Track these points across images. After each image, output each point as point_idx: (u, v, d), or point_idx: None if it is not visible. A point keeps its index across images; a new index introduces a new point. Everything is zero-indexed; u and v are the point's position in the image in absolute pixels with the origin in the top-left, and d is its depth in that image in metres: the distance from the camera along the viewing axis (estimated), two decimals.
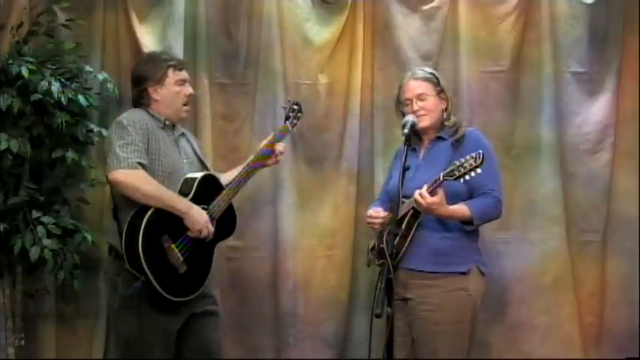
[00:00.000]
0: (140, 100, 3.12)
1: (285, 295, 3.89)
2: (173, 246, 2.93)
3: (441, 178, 2.85)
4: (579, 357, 3.81)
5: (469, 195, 3.02)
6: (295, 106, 3.36)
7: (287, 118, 3.34)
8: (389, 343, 2.74)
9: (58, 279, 3.56)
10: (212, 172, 3.20)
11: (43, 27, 3.70)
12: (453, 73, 3.87)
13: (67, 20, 3.74)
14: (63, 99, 3.49)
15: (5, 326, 3.64)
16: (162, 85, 3.10)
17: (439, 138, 3.14)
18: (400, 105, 3.17)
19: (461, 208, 2.97)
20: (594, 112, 3.89)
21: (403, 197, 2.91)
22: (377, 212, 3.13)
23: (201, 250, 3.02)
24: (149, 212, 2.89)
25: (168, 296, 2.90)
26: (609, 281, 3.87)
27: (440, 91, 3.14)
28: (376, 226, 3.11)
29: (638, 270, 3.82)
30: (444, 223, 3.01)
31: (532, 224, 3.86)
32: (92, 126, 3.69)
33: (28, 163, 3.57)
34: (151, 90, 3.10)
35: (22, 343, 3.68)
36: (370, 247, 3.25)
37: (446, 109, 3.15)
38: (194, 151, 3.23)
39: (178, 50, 3.84)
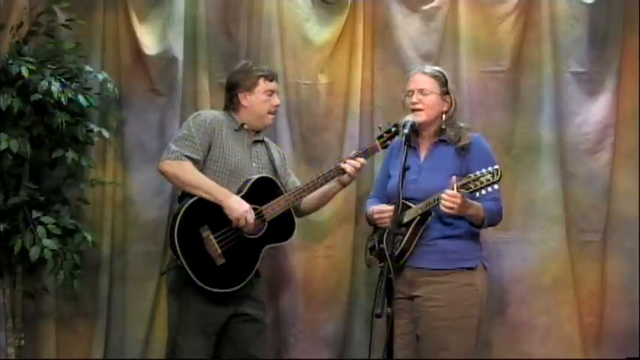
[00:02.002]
0: (230, 104, 3.33)
1: (285, 295, 3.89)
2: (211, 236, 3.05)
3: (455, 189, 2.85)
4: (579, 357, 3.81)
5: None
6: (394, 128, 3.27)
7: (380, 137, 3.31)
8: (389, 343, 2.74)
9: (58, 279, 3.55)
10: (273, 177, 3.28)
11: (43, 27, 3.70)
12: (453, 73, 3.85)
13: (67, 20, 3.74)
14: (63, 99, 3.49)
15: (5, 326, 3.65)
16: (252, 92, 3.28)
17: (441, 141, 3.14)
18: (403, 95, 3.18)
19: (480, 207, 3.00)
20: (594, 112, 3.89)
21: (403, 199, 2.91)
22: (385, 207, 3.13)
23: (244, 248, 3.12)
24: (191, 200, 3.07)
25: (200, 283, 3.03)
26: (609, 281, 3.86)
27: (445, 92, 3.14)
28: (386, 221, 3.10)
29: (638, 270, 3.82)
30: (449, 223, 3.04)
31: (532, 224, 3.86)
32: (92, 126, 3.69)
33: (28, 163, 3.57)
34: (241, 96, 3.29)
35: (22, 343, 3.68)
36: (369, 247, 3.26)
37: (447, 111, 3.15)
38: (270, 159, 3.35)
39: (178, 50, 3.84)
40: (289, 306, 3.88)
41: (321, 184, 3.26)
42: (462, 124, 3.21)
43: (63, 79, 3.56)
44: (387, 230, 2.96)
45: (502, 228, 3.65)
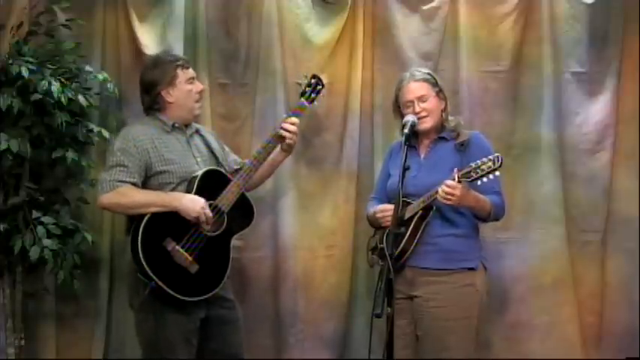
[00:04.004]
0: (154, 105, 3.14)
1: (285, 295, 3.88)
2: (177, 247, 2.95)
3: (457, 179, 2.85)
4: (579, 357, 3.81)
5: None
6: (313, 80, 3.27)
7: (303, 93, 3.27)
8: (389, 343, 2.74)
9: (58, 279, 3.56)
10: (219, 168, 3.18)
11: (43, 27, 3.70)
12: (453, 73, 3.87)
13: (67, 20, 3.74)
14: (63, 99, 3.49)
15: (5, 326, 3.64)
16: (173, 86, 3.12)
17: (441, 138, 3.15)
18: (400, 107, 3.17)
19: (484, 198, 2.99)
20: (594, 112, 3.90)
21: (404, 196, 2.91)
22: (387, 206, 3.12)
23: (213, 247, 3.02)
24: (145, 219, 2.93)
25: (183, 298, 2.93)
26: (609, 281, 3.87)
27: (438, 91, 3.16)
28: (388, 220, 3.07)
29: (638, 270, 3.82)
30: (451, 222, 3.04)
31: (532, 224, 3.86)
32: (92, 126, 3.69)
33: (28, 163, 3.57)
34: (164, 93, 3.11)
35: (22, 343, 3.68)
36: (371, 247, 3.26)
37: (444, 109, 3.16)
38: (209, 148, 3.22)
39: (178, 50, 3.83)
40: (289, 306, 3.87)
41: (265, 158, 3.16)
42: (459, 118, 3.22)
43: (63, 79, 3.55)
44: (388, 230, 2.96)
45: (502, 228, 3.67)
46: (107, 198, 3.00)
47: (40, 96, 3.45)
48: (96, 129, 3.69)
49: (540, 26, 3.88)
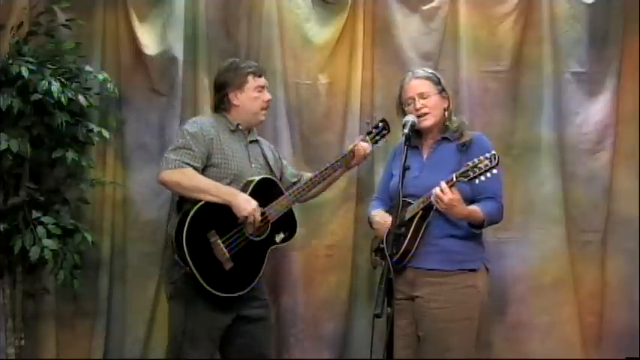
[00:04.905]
0: (221, 105, 3.28)
1: (285, 295, 3.89)
2: (219, 241, 3.02)
3: (454, 178, 2.86)
4: (579, 357, 3.81)
5: (472, 198, 3.02)
6: (381, 123, 3.34)
7: (368, 133, 3.34)
8: (389, 343, 2.74)
9: (58, 279, 3.56)
10: (273, 177, 3.27)
11: (43, 27, 3.70)
12: (453, 73, 3.87)
13: (67, 20, 3.74)
14: (63, 99, 3.49)
15: (5, 326, 3.65)
16: (242, 90, 3.24)
17: (444, 139, 3.15)
18: (402, 105, 3.18)
19: (475, 210, 2.99)
20: (594, 112, 3.90)
21: (405, 196, 2.91)
22: (384, 219, 3.13)
23: (251, 250, 3.10)
24: (197, 206, 3.01)
25: (210, 289, 2.99)
26: (609, 281, 3.87)
27: (441, 90, 3.16)
28: (382, 233, 3.10)
29: (638, 270, 3.82)
30: (452, 222, 3.03)
31: (532, 224, 3.86)
32: (92, 126, 3.69)
33: (28, 163, 3.57)
34: (231, 95, 3.24)
35: (22, 343, 3.68)
36: (374, 248, 3.26)
37: (447, 108, 3.16)
38: (266, 159, 3.32)
39: (178, 50, 3.85)
40: (290, 306, 3.88)
41: (319, 182, 3.26)
42: (462, 118, 3.23)
43: (63, 79, 3.56)
44: (388, 230, 2.95)
45: (502, 228, 3.66)
46: (169, 175, 3.07)
47: (40, 96, 3.45)
48: (96, 129, 3.69)
49: (540, 26, 3.88)
